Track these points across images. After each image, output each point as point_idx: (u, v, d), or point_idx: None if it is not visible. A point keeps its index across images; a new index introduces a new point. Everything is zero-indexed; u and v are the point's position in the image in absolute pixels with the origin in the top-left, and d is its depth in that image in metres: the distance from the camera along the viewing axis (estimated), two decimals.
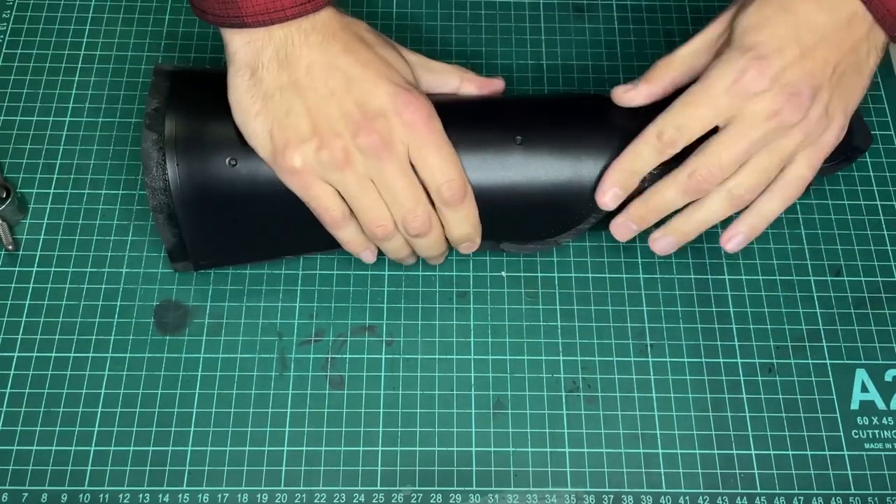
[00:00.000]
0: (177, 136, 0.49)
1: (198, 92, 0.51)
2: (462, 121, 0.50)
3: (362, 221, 0.49)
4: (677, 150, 0.48)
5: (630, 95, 0.51)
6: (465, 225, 0.50)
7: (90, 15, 0.66)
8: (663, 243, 0.51)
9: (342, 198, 0.48)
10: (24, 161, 0.60)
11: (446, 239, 0.51)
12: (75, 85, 0.63)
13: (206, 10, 0.47)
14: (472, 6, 0.67)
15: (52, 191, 0.59)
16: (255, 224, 0.51)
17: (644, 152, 0.48)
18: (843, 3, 0.46)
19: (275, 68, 0.47)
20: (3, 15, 0.65)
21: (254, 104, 0.47)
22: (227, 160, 0.49)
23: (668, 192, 0.49)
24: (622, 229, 0.51)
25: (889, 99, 0.63)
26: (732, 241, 0.51)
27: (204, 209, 0.50)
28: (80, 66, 0.63)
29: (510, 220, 0.52)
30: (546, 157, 0.50)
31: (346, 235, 0.50)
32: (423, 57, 0.53)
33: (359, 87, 0.47)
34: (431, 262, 0.55)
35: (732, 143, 0.47)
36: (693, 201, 0.49)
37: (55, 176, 0.59)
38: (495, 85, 0.54)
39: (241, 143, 0.49)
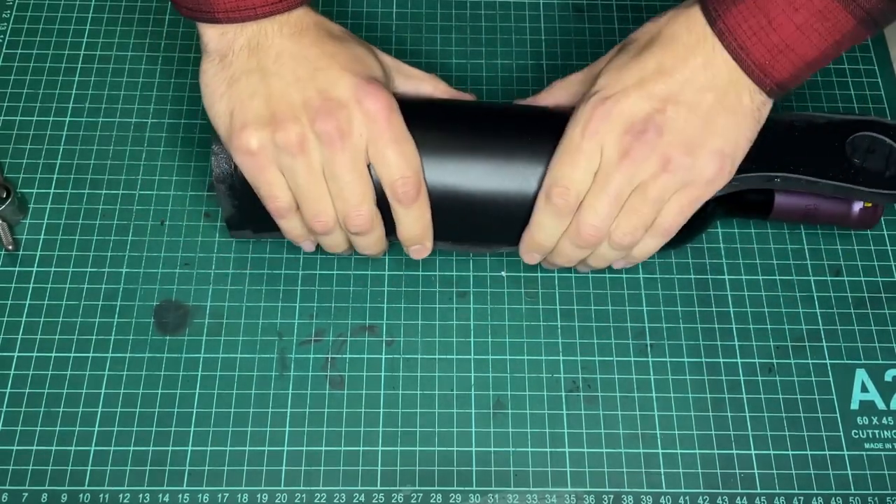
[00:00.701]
0: None
1: None
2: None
3: (304, 213, 0.49)
4: (573, 206, 0.48)
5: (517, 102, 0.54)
6: (416, 225, 0.50)
7: (90, 15, 0.66)
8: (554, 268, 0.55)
9: (290, 189, 0.48)
10: (24, 161, 0.60)
11: (388, 240, 0.51)
12: (75, 85, 0.63)
13: (180, 3, 0.48)
14: (472, 6, 0.67)
15: (52, 191, 0.59)
16: None
17: (543, 220, 0.49)
18: (701, 49, 0.46)
19: (245, 55, 0.47)
20: (3, 15, 0.65)
21: (220, 86, 0.48)
22: None
23: (567, 249, 0.50)
24: (550, 266, 0.54)
25: (889, 99, 0.63)
26: (616, 265, 0.53)
27: None
28: (80, 66, 0.63)
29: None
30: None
31: (288, 225, 0.50)
32: (399, 61, 0.53)
33: (323, 76, 0.47)
34: (369, 257, 0.55)
35: (601, 192, 0.47)
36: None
37: (55, 176, 0.59)
38: (465, 98, 0.55)
39: None
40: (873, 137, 0.53)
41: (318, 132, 0.46)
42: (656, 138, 0.46)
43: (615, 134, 0.46)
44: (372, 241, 0.50)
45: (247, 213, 0.52)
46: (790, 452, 0.52)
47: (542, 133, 0.50)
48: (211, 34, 0.48)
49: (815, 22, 0.44)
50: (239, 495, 0.50)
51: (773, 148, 0.52)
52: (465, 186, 0.49)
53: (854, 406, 0.53)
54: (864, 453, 0.52)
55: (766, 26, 0.44)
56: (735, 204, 0.55)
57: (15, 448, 0.51)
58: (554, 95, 0.53)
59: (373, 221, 0.49)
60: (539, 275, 0.57)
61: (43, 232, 0.57)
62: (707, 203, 0.51)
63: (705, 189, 0.48)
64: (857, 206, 0.55)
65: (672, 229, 0.49)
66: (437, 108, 0.52)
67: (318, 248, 0.54)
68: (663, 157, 0.46)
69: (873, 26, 0.45)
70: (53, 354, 0.54)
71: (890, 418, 0.53)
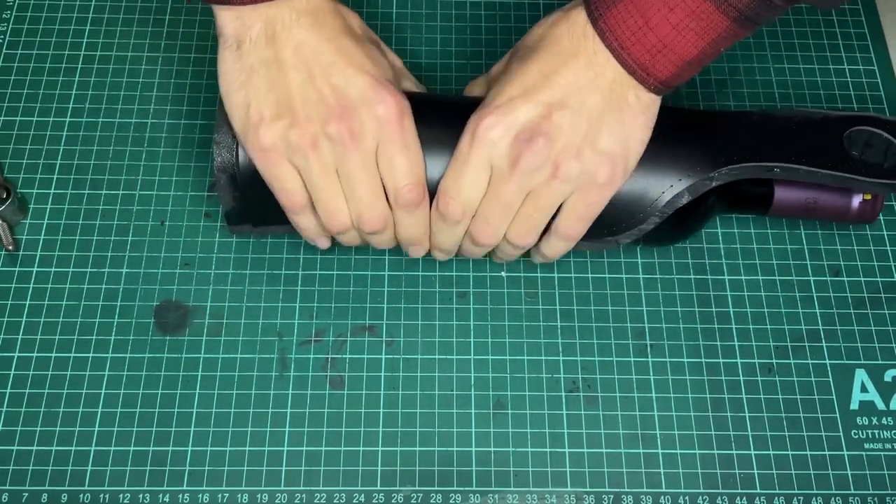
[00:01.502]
0: None
1: None
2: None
3: (320, 211, 0.49)
4: (464, 218, 0.48)
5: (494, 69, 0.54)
6: (414, 229, 0.50)
7: (90, 15, 0.66)
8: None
9: (304, 185, 0.48)
10: (24, 161, 0.60)
11: None
12: (75, 85, 0.63)
13: None
14: (472, 6, 0.67)
15: (52, 191, 0.59)
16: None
17: (438, 228, 0.50)
18: (583, 50, 0.46)
19: (262, 44, 0.47)
20: (3, 15, 0.65)
21: (238, 77, 0.48)
22: None
23: (468, 247, 0.51)
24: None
25: (889, 98, 0.63)
26: (533, 259, 0.54)
27: None
28: (80, 66, 0.63)
29: None
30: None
31: (304, 222, 0.50)
32: (403, 66, 0.54)
33: (340, 75, 0.47)
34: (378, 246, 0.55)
35: (492, 199, 0.47)
36: None
37: (55, 176, 0.59)
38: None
39: None
40: (871, 132, 0.53)
41: (329, 133, 0.46)
42: (544, 145, 0.46)
43: (504, 144, 0.46)
44: (386, 240, 0.51)
45: (247, 206, 0.52)
46: (790, 452, 0.52)
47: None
48: (227, 17, 0.47)
49: (691, 22, 0.44)
50: (239, 495, 0.50)
51: (771, 139, 0.52)
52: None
53: (854, 406, 0.53)
54: (863, 453, 0.52)
55: (643, 27, 0.44)
56: (734, 198, 0.55)
57: (15, 448, 0.51)
58: (474, 93, 0.54)
59: (386, 221, 0.49)
60: (539, 275, 0.57)
61: (43, 232, 0.57)
62: (707, 197, 0.51)
63: (601, 192, 0.48)
64: (857, 200, 0.55)
65: (575, 233, 0.49)
66: (436, 106, 0.52)
67: (318, 248, 0.54)
68: (552, 163, 0.46)
69: (750, 24, 0.45)
70: (53, 354, 0.54)
71: (890, 418, 0.53)
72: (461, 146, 0.47)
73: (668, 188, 0.50)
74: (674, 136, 0.51)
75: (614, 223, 0.51)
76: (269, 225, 0.54)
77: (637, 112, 0.47)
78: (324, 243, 0.53)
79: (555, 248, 0.51)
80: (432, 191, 0.49)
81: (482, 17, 0.66)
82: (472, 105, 0.50)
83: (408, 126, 0.48)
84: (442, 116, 0.50)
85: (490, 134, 0.46)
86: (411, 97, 0.49)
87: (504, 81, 0.48)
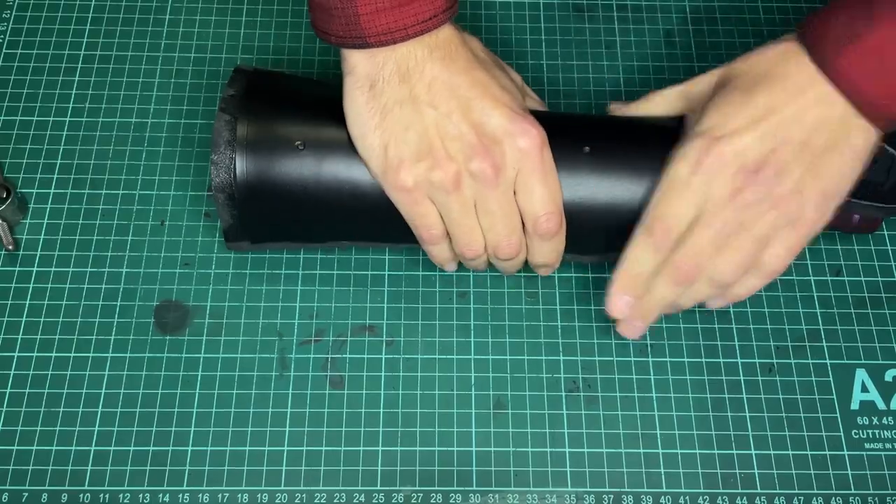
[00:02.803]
0: (250, 120, 0.50)
1: (273, 85, 0.53)
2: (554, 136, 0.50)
3: (456, 242, 0.50)
4: (673, 242, 0.48)
5: (617, 113, 0.54)
6: (551, 255, 0.51)
7: (90, 15, 0.66)
8: (637, 326, 0.52)
9: (442, 218, 0.49)
10: (24, 161, 0.60)
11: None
12: (75, 85, 0.63)
13: (329, 32, 0.47)
14: (473, 6, 0.67)
15: (52, 191, 0.59)
16: (317, 210, 0.51)
17: (641, 255, 0.49)
18: (812, 88, 0.46)
19: (395, 82, 0.47)
20: (3, 15, 0.65)
21: (372, 118, 0.47)
22: (296, 144, 0.50)
23: (660, 289, 0.49)
24: (629, 329, 0.52)
25: None
26: (711, 305, 0.52)
27: (266, 191, 0.50)
28: (80, 66, 0.63)
29: (577, 234, 0.51)
30: (614, 171, 0.50)
31: (438, 251, 0.51)
32: (524, 83, 0.54)
33: (478, 109, 0.47)
34: (505, 273, 0.55)
35: (707, 227, 0.47)
36: None
37: (55, 176, 0.59)
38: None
39: (308, 133, 0.50)
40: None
41: (473, 171, 0.46)
42: (771, 179, 0.46)
43: (728, 173, 0.46)
44: (516, 265, 0.52)
45: (245, 224, 0.52)
46: (790, 452, 0.52)
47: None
48: (358, 56, 0.47)
49: None
50: (239, 495, 0.50)
51: None
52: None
53: (854, 406, 0.53)
54: (864, 453, 0.52)
55: (878, 68, 0.44)
56: None
57: (15, 448, 0.51)
58: (651, 106, 0.53)
59: (521, 249, 0.50)
60: (539, 275, 0.57)
61: (43, 232, 0.57)
62: None
63: (809, 229, 0.47)
64: (857, 214, 0.54)
65: (778, 270, 0.48)
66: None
67: (319, 249, 0.54)
68: (775, 198, 0.46)
69: None
70: (53, 354, 0.54)
71: (890, 418, 0.53)
72: (679, 171, 0.47)
73: None
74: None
75: (622, 237, 0.50)
76: (267, 241, 0.54)
77: (858, 155, 0.47)
78: (452, 268, 0.54)
79: (749, 284, 0.49)
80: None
81: (482, 17, 0.66)
82: (591, 121, 0.50)
83: (547, 156, 0.48)
84: (574, 133, 0.50)
85: (716, 162, 0.46)
86: (539, 118, 0.49)
87: (725, 111, 0.47)
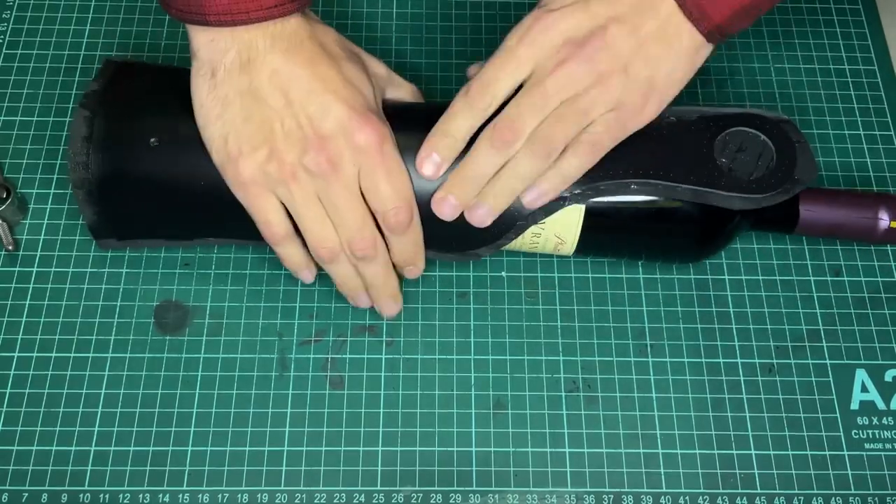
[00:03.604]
0: (107, 116, 0.50)
1: (137, 80, 0.52)
2: (409, 128, 0.49)
3: (308, 240, 0.49)
4: (489, 108, 0.47)
5: (471, 69, 0.52)
6: (408, 249, 0.50)
7: (90, 15, 0.66)
8: (479, 213, 0.49)
9: (289, 215, 0.48)
10: (24, 161, 0.60)
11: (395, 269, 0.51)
12: (75, 85, 0.63)
13: (170, 4, 0.47)
14: (472, 6, 0.67)
15: (52, 191, 0.59)
16: (177, 207, 0.51)
17: (458, 113, 0.48)
18: None
19: (236, 72, 0.46)
20: (3, 15, 0.65)
21: (213, 108, 0.47)
22: (150, 141, 0.49)
23: (477, 153, 0.47)
24: (442, 205, 0.49)
25: (889, 99, 0.63)
26: (530, 195, 0.49)
27: (124, 188, 0.50)
28: (80, 66, 0.63)
29: (434, 230, 0.50)
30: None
31: (285, 252, 0.50)
32: (390, 70, 0.53)
33: (316, 104, 0.46)
34: (385, 311, 0.53)
35: (528, 94, 0.46)
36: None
37: (55, 176, 0.59)
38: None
39: (167, 128, 0.50)
40: (747, 133, 0.50)
41: (307, 164, 0.46)
42: (595, 53, 0.46)
43: (553, 45, 0.46)
44: (380, 268, 0.50)
45: (108, 220, 0.52)
46: (790, 452, 0.52)
47: None
48: (201, 39, 0.47)
49: None
50: (239, 495, 0.50)
51: (630, 150, 0.49)
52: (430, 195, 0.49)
53: (854, 406, 0.53)
54: (864, 453, 0.52)
55: None
56: (759, 218, 0.53)
57: (15, 448, 0.51)
58: None
59: (377, 245, 0.49)
60: (539, 275, 0.57)
61: (43, 232, 0.57)
62: (731, 216, 0.50)
63: (633, 117, 0.47)
64: (884, 224, 0.53)
65: (597, 147, 0.47)
66: (423, 114, 0.51)
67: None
68: (599, 72, 0.46)
69: None
70: (53, 354, 0.54)
71: (890, 418, 0.53)
72: (507, 41, 0.47)
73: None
74: None
75: (486, 234, 0.50)
76: (135, 239, 0.54)
77: (685, 53, 0.47)
78: (308, 276, 0.52)
79: (568, 164, 0.47)
80: (426, 200, 0.49)
81: (482, 17, 0.66)
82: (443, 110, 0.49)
83: (388, 151, 0.47)
84: (425, 125, 0.49)
85: (543, 34, 0.46)
86: (400, 109, 0.48)
87: None
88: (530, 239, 0.52)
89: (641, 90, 0.47)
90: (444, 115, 0.48)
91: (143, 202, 0.51)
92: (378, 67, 0.52)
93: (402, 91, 0.54)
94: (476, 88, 0.47)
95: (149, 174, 0.50)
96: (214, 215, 0.52)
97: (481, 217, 0.49)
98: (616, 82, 0.46)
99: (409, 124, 0.49)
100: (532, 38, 0.46)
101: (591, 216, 0.51)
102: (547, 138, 0.47)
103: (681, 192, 0.49)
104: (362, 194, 0.48)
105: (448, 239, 0.51)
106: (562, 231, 0.51)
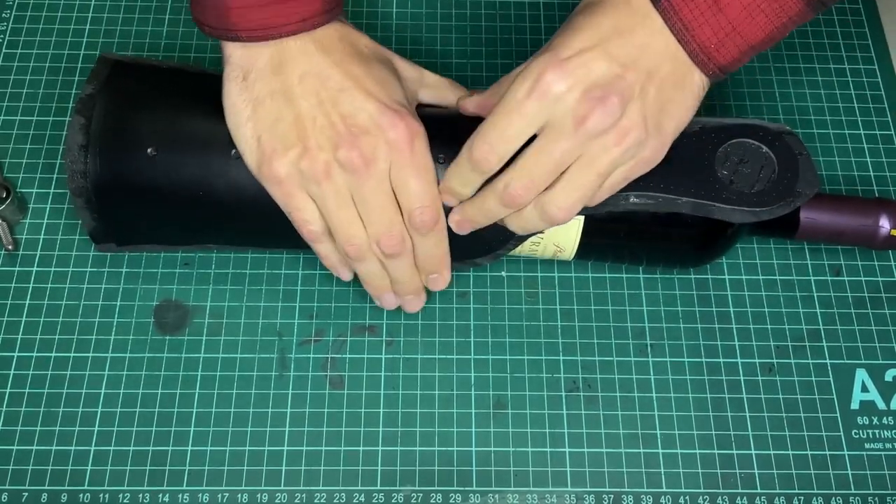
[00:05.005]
0: (103, 123, 0.49)
1: (133, 82, 0.51)
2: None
3: (337, 238, 0.49)
4: (493, 167, 0.45)
5: (463, 103, 0.51)
6: (432, 252, 0.50)
7: (90, 15, 0.66)
8: (463, 226, 0.49)
9: (321, 214, 0.48)
10: (24, 161, 0.60)
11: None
12: (75, 85, 0.63)
13: (202, 22, 0.47)
14: (472, 6, 0.67)
15: (51, 191, 0.59)
16: (176, 214, 0.51)
17: (463, 173, 0.47)
18: (656, 14, 0.44)
19: (268, 74, 0.47)
20: (3, 15, 0.65)
21: (245, 109, 0.47)
22: (148, 150, 0.49)
23: (488, 203, 0.47)
24: (459, 229, 0.49)
25: (889, 99, 0.63)
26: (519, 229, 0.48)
27: (122, 197, 0.50)
28: (79, 66, 0.63)
29: (460, 238, 0.50)
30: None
31: (324, 250, 0.50)
32: (422, 70, 0.53)
33: (348, 101, 0.46)
34: (409, 308, 0.53)
35: (543, 154, 0.44)
36: None
37: (55, 176, 0.59)
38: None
39: (165, 136, 0.49)
40: (747, 146, 0.49)
41: (341, 160, 0.46)
42: (617, 107, 0.43)
43: (571, 98, 0.43)
44: (406, 267, 0.50)
45: (108, 226, 0.52)
46: (790, 452, 0.52)
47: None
48: (234, 48, 0.47)
49: (763, 2, 0.43)
50: (239, 495, 0.50)
51: None
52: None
53: (854, 406, 0.53)
54: (864, 453, 0.52)
55: (712, 6, 0.43)
56: (759, 225, 0.52)
57: (15, 448, 0.51)
58: (503, 89, 0.47)
59: (405, 242, 0.48)
60: (539, 275, 0.57)
61: (43, 232, 0.57)
62: (730, 225, 0.50)
63: (642, 168, 0.46)
64: (884, 231, 0.53)
65: (597, 202, 0.47)
66: (455, 124, 0.51)
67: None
68: (621, 129, 0.43)
69: (820, 6, 0.44)
70: (53, 354, 0.54)
71: (890, 418, 0.53)
72: (515, 93, 0.44)
73: None
74: None
75: (490, 242, 0.50)
76: (135, 244, 0.54)
77: (694, 92, 0.45)
78: (345, 274, 0.52)
79: (550, 214, 0.46)
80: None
81: (482, 17, 0.66)
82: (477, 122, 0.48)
83: (419, 149, 0.47)
84: (458, 133, 0.48)
85: (556, 86, 0.43)
86: (430, 116, 0.48)
87: (569, 33, 0.44)
88: (529, 247, 0.52)
89: (656, 141, 0.45)
90: (449, 170, 0.47)
91: (141, 209, 0.51)
92: (409, 70, 0.52)
93: (437, 88, 0.53)
94: (481, 151, 0.45)
95: (147, 182, 0.49)
96: (214, 222, 0.52)
97: (460, 228, 0.49)
98: (635, 137, 0.44)
99: (440, 134, 0.49)
100: (543, 90, 0.43)
101: (591, 225, 0.51)
102: (560, 210, 0.45)
103: (681, 205, 0.48)
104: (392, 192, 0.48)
105: (473, 245, 0.51)
106: (561, 240, 0.52)
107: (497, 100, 0.46)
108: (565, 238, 0.51)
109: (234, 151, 0.49)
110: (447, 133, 0.49)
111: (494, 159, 0.45)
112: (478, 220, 0.48)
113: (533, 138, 0.45)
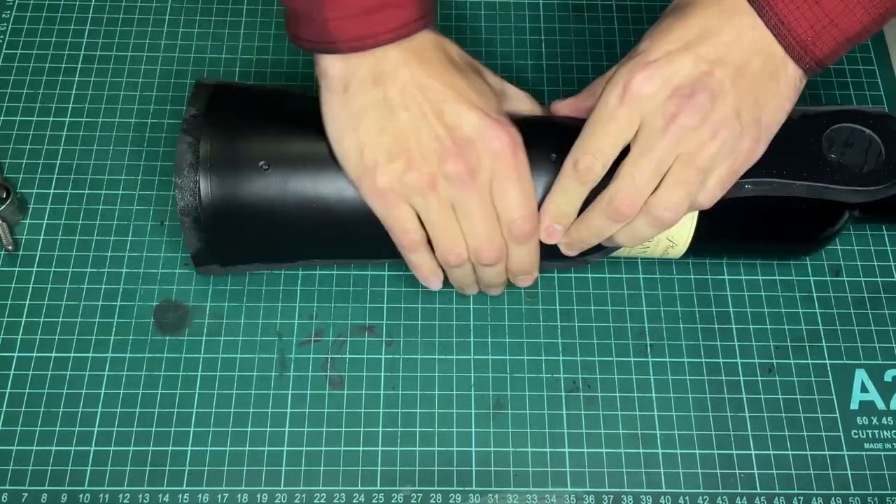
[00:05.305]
0: (212, 142, 0.49)
1: (235, 103, 0.51)
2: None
3: (437, 247, 0.49)
4: (598, 176, 0.46)
5: (557, 106, 0.52)
6: (526, 259, 0.50)
7: (90, 15, 0.66)
8: (572, 249, 0.50)
9: (420, 222, 0.48)
10: (24, 161, 0.60)
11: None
12: (75, 85, 0.63)
13: (301, 37, 0.47)
14: (472, 6, 0.67)
15: (52, 191, 0.59)
16: (286, 231, 0.51)
17: (569, 189, 0.47)
18: (747, 12, 0.44)
19: (369, 84, 0.46)
20: (3, 15, 0.65)
21: (347, 121, 0.47)
22: (260, 164, 0.49)
23: (595, 221, 0.48)
24: (569, 251, 0.50)
25: (889, 99, 0.63)
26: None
27: (233, 212, 0.50)
28: (80, 66, 0.63)
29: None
30: None
31: (419, 260, 0.50)
32: (503, 81, 0.53)
33: (451, 112, 0.46)
34: (490, 292, 0.53)
35: (641, 158, 0.45)
36: None
37: (55, 176, 0.59)
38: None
39: (273, 152, 0.49)
40: (851, 129, 0.50)
41: (447, 172, 0.46)
42: (706, 102, 0.43)
43: (659, 99, 0.44)
44: (500, 272, 0.50)
45: (213, 248, 0.51)
46: (790, 452, 0.52)
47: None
48: (332, 61, 0.47)
49: None
50: (239, 495, 0.50)
51: None
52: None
53: (854, 406, 0.53)
54: (863, 453, 0.52)
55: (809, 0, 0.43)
56: (870, 208, 0.51)
57: (15, 448, 0.51)
58: (597, 90, 0.49)
59: (502, 253, 0.49)
60: (539, 275, 0.57)
61: (43, 232, 0.57)
62: (842, 209, 0.50)
63: (745, 161, 0.46)
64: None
65: (710, 204, 0.47)
66: (545, 129, 0.51)
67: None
68: (713, 123, 0.44)
69: None
70: (53, 354, 0.54)
71: (890, 418, 0.53)
72: (607, 100, 0.45)
73: None
74: None
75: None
76: (237, 265, 0.54)
77: (791, 84, 0.45)
78: (436, 284, 0.51)
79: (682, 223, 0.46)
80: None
81: (482, 17, 0.66)
82: (568, 125, 0.49)
83: (521, 158, 0.47)
84: (547, 139, 0.49)
85: (645, 88, 0.44)
86: (518, 122, 0.48)
87: (657, 36, 0.45)
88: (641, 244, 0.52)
89: (754, 133, 0.45)
90: (554, 188, 0.48)
91: (251, 227, 0.50)
92: (494, 80, 0.52)
93: (517, 101, 0.53)
94: (584, 163, 0.46)
95: (260, 198, 0.49)
96: (325, 237, 0.51)
97: (574, 251, 0.50)
98: (730, 131, 0.44)
99: (531, 139, 0.48)
100: (634, 94, 0.44)
101: (703, 219, 0.50)
102: (667, 210, 0.46)
103: (796, 189, 0.48)
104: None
105: (557, 247, 0.51)
106: (674, 234, 0.51)
107: (591, 101, 0.48)
108: (678, 232, 0.51)
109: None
110: (544, 135, 0.49)
111: (599, 167, 0.46)
112: (587, 240, 0.49)
113: (627, 151, 0.46)
